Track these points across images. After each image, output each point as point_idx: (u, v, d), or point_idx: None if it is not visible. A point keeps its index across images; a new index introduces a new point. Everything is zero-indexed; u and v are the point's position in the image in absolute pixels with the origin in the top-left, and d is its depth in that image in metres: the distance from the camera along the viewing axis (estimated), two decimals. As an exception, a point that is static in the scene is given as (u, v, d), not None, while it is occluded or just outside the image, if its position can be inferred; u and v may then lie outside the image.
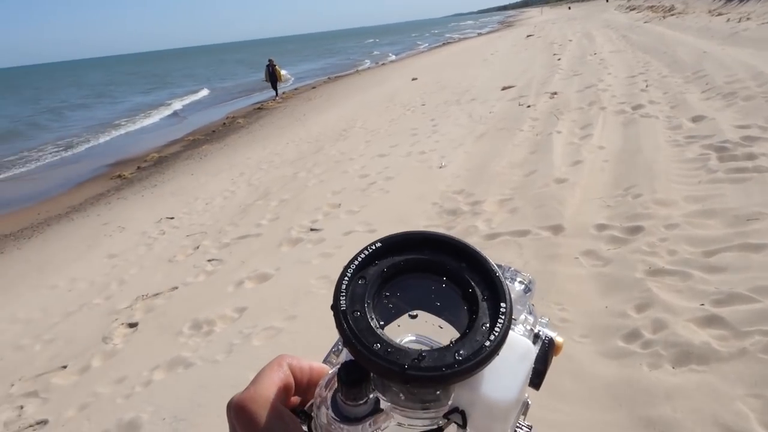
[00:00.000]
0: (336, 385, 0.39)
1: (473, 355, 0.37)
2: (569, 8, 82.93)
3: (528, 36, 28.27)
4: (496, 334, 0.39)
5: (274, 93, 22.29)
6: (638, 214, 4.18)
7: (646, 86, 8.81)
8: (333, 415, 0.39)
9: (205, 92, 30.07)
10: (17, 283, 6.17)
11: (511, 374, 0.41)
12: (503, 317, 0.40)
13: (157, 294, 4.82)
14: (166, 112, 24.06)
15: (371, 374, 0.38)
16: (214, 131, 16.15)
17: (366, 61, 39.24)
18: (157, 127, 20.01)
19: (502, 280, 0.42)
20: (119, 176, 11.82)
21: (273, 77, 21.70)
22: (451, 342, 0.39)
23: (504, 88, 11.79)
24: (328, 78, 28.57)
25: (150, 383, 3.44)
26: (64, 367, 3.95)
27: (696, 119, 6.30)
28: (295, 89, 25.02)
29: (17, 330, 4.80)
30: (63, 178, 12.96)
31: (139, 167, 12.55)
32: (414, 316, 0.42)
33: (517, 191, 5.34)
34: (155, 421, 3.01)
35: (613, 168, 5.39)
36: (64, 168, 14.37)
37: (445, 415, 0.40)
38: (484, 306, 0.41)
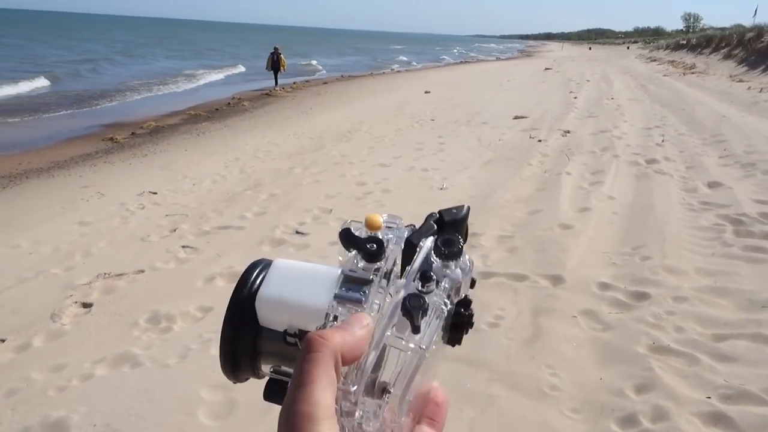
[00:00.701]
0: None
1: None
2: (590, 48, 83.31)
3: (546, 69, 28.15)
4: None
5: (273, 82, 21.54)
6: (645, 278, 3.90)
7: (662, 141, 8.58)
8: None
9: (241, 68, 29.85)
10: (-22, 235, 5.79)
11: None
12: None
13: (120, 275, 4.46)
14: (201, 81, 23.89)
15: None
16: (217, 109, 15.77)
17: (395, 65, 39.13)
18: (172, 96, 19.61)
19: None
20: (111, 139, 11.40)
21: (276, 65, 21.09)
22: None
23: (517, 117, 11.54)
24: (341, 76, 28.26)
25: (90, 378, 3.10)
26: (2, 340, 3.59)
27: (712, 185, 6.04)
28: (306, 81, 24.68)
29: (-37, 288, 4.44)
30: (53, 130, 12.54)
31: (133, 133, 12.15)
32: None
33: (519, 229, 5.05)
34: (84, 426, 2.67)
35: (623, 222, 5.12)
36: (58, 120, 13.94)
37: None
38: None
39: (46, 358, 3.37)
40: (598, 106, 13.18)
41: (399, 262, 0.49)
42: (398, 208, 5.86)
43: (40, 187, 7.78)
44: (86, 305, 4.03)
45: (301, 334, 0.46)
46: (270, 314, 0.48)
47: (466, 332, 0.47)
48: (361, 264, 0.47)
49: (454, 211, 0.56)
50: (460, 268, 0.47)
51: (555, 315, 3.51)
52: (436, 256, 0.47)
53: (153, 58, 35.72)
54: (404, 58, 48.96)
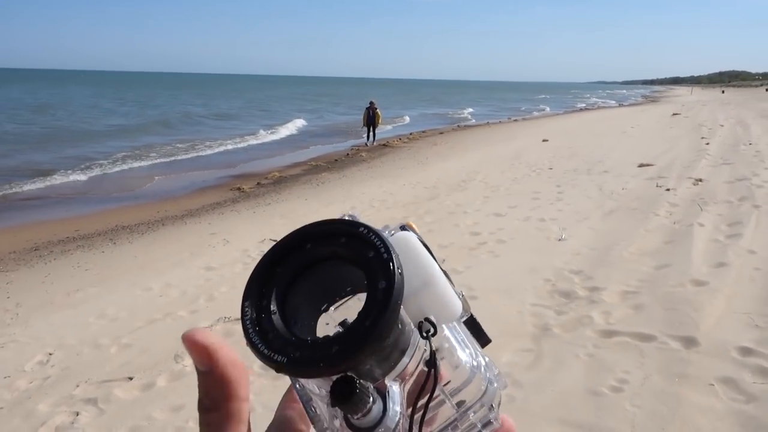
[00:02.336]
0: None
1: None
2: (723, 92, 78.50)
3: (674, 114, 26.73)
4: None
5: (365, 138, 20.79)
6: (796, 344, 3.46)
7: (812, 190, 7.76)
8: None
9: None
10: (117, 277, 6.28)
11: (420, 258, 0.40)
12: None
13: (239, 319, 4.63)
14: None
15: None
16: (336, 160, 16.39)
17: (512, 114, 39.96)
18: (282, 145, 20.83)
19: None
20: (239, 188, 12.15)
21: (371, 120, 20.31)
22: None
23: (641, 165, 10.96)
24: (458, 126, 28.49)
25: (205, 421, 3.19)
26: (131, 378, 3.81)
27: None
28: (423, 132, 25.09)
29: (101, 326, 4.79)
30: (190, 181, 13.57)
31: (258, 183, 12.86)
32: (326, 310, 0.41)
33: (645, 285, 4.69)
34: (196, 470, 2.73)
35: (766, 280, 4.61)
36: (196, 170, 15.06)
37: (423, 336, 0.37)
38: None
39: (168, 398, 3.52)
40: (734, 152, 12.23)
41: None
42: (514, 259, 5.68)
43: (174, 233, 8.36)
44: (206, 348, 4.19)
45: None
46: None
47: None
48: None
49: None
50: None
51: (688, 382, 3.18)
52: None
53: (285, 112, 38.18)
54: (529, 107, 49.60)
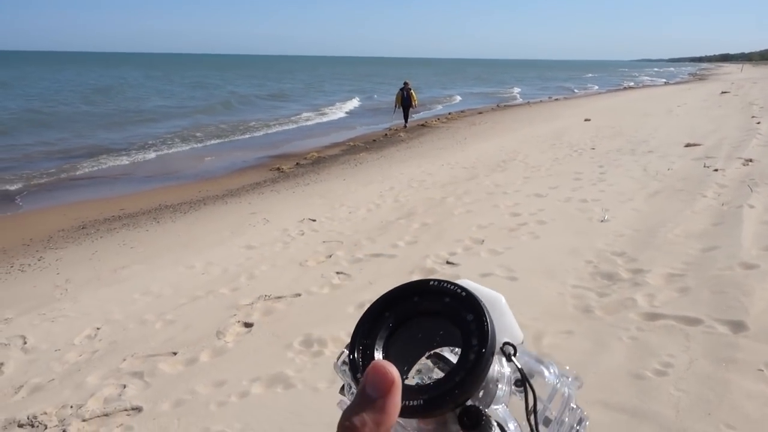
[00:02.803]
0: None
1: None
2: (776, 69, 75.32)
3: (723, 92, 25.80)
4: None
5: (402, 121, 19.50)
6: None
7: None
8: None
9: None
10: (162, 255, 6.42)
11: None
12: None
13: (279, 297, 4.69)
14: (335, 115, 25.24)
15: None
16: (374, 140, 16.36)
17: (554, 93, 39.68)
18: (331, 126, 20.95)
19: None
20: (278, 169, 12.25)
21: (407, 102, 19.02)
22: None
23: (688, 145, 10.64)
24: (497, 105, 28.08)
25: (246, 395, 3.25)
26: (174, 353, 3.91)
27: None
28: (461, 112, 24.82)
29: (146, 303, 4.91)
30: (230, 161, 13.75)
31: (297, 163, 12.95)
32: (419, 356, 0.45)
33: (692, 268, 4.57)
34: (239, 443, 2.79)
35: (820, 263, 4.44)
36: (237, 151, 15.25)
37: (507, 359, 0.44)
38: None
39: (210, 374, 3.60)
40: (787, 131, 11.77)
41: None
42: (554, 241, 5.60)
43: (215, 213, 8.49)
44: (248, 325, 4.27)
45: None
46: None
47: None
48: None
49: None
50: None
51: (736, 367, 3.09)
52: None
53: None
54: (594, 86, 48.57)
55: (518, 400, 0.45)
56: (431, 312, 0.46)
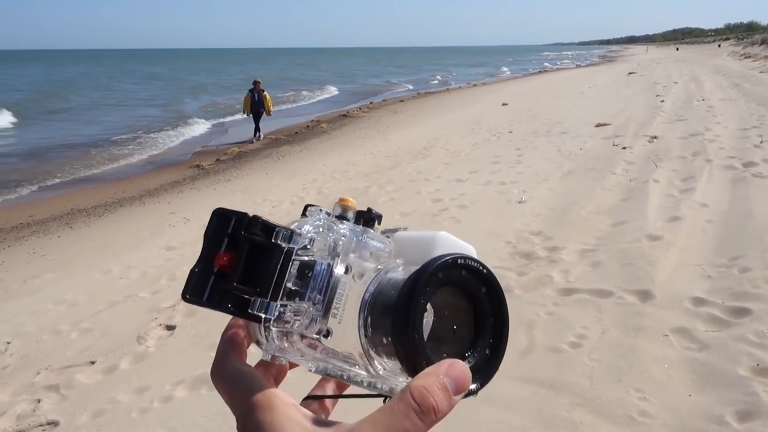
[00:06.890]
0: None
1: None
2: (677, 49, 79.84)
3: (630, 73, 27.09)
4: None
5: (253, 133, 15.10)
6: (745, 292, 3.58)
7: (761, 142, 7.98)
8: None
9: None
10: (75, 260, 6.14)
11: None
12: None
13: (202, 298, 4.59)
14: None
15: None
16: (296, 133, 16.17)
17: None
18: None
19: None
20: (198, 166, 11.93)
21: (257, 107, 14.86)
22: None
23: (599, 125, 11.11)
24: (418, 93, 28.36)
25: (170, 400, 3.17)
26: (92, 362, 3.75)
27: (820, 187, 5.54)
28: (383, 101, 24.92)
29: (60, 312, 4.69)
30: (147, 161, 13.26)
31: (218, 159, 12.64)
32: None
33: (603, 242, 4.79)
34: (163, 450, 2.72)
35: (718, 231, 4.76)
36: (156, 151, 14.67)
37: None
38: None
39: (131, 380, 3.48)
40: (687, 108, 12.49)
41: None
42: (475, 224, 5.74)
43: (132, 214, 8.19)
44: (170, 327, 4.16)
45: None
46: None
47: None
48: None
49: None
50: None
51: (644, 334, 3.27)
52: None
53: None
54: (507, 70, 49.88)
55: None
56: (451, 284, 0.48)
